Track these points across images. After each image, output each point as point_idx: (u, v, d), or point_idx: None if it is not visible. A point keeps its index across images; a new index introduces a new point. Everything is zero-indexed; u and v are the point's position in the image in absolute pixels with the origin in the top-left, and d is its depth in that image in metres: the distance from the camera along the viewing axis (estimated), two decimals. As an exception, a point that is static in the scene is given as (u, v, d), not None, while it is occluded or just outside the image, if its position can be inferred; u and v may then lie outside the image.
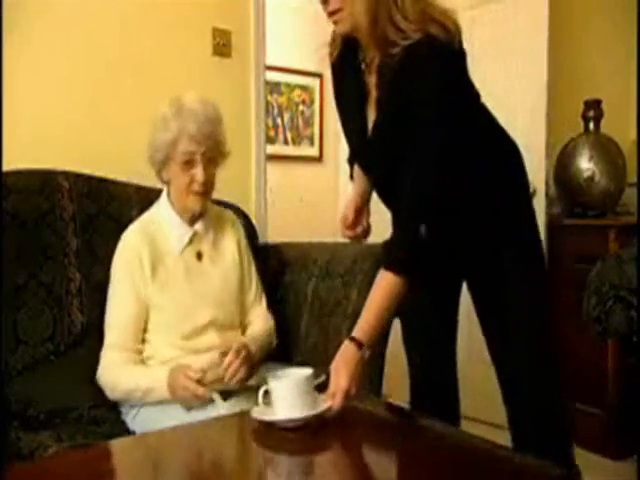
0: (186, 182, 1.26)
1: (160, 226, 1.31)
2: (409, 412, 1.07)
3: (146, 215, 1.35)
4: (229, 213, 1.47)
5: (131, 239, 1.29)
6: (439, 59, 1.01)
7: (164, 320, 1.25)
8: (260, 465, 0.92)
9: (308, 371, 0.97)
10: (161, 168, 1.29)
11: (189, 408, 1.14)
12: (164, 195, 1.33)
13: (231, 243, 1.39)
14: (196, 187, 1.26)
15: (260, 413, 0.94)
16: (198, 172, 1.24)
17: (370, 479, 0.88)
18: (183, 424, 0.99)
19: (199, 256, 1.32)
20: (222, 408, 1.10)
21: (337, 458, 0.94)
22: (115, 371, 1.21)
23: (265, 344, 1.36)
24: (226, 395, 1.12)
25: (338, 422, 0.95)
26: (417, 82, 1.00)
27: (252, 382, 1.19)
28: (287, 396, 0.93)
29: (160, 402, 1.17)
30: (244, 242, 1.43)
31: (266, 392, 0.95)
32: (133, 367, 1.22)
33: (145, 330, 1.26)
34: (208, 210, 1.34)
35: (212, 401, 1.11)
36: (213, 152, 1.27)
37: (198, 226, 1.32)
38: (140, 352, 1.25)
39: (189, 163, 1.25)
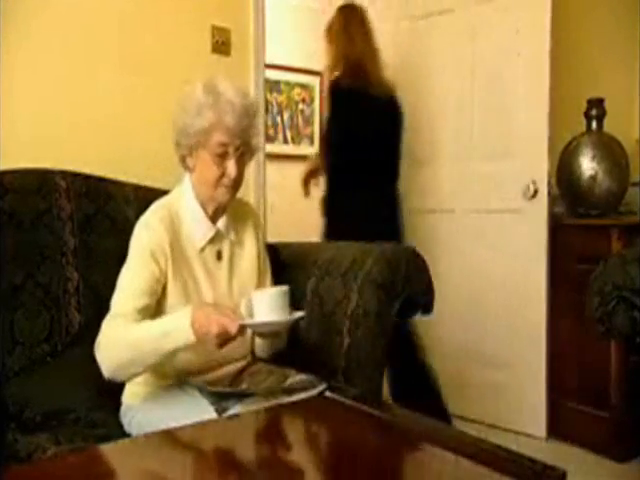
0: (217, 175, 1.20)
1: (183, 218, 1.23)
2: (409, 414, 1.06)
3: (166, 201, 1.26)
4: (249, 207, 1.42)
5: (155, 224, 1.19)
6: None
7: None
8: (257, 466, 0.91)
9: (285, 287, 1.10)
10: (188, 154, 1.23)
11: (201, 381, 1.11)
12: (187, 184, 1.25)
13: (251, 241, 1.34)
14: (226, 181, 1.20)
15: (248, 321, 1.06)
16: (230, 166, 1.19)
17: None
18: (181, 425, 0.98)
19: (219, 256, 1.27)
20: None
21: (336, 459, 0.93)
22: (117, 333, 1.08)
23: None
24: (221, 409, 1.08)
25: (338, 423, 0.94)
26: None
27: (245, 388, 1.18)
28: (266, 303, 1.06)
29: (160, 402, 1.13)
30: (262, 239, 1.38)
31: (248, 305, 1.07)
32: (140, 323, 1.09)
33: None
34: (230, 206, 1.28)
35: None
36: (246, 146, 1.23)
37: (220, 224, 1.26)
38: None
39: (222, 156, 1.19)
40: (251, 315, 1.08)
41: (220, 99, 1.18)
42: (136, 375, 1.13)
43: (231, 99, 1.18)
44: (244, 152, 1.23)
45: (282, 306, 1.06)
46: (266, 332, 1.12)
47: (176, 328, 1.04)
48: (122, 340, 1.08)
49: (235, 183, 1.23)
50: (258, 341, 1.29)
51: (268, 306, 1.06)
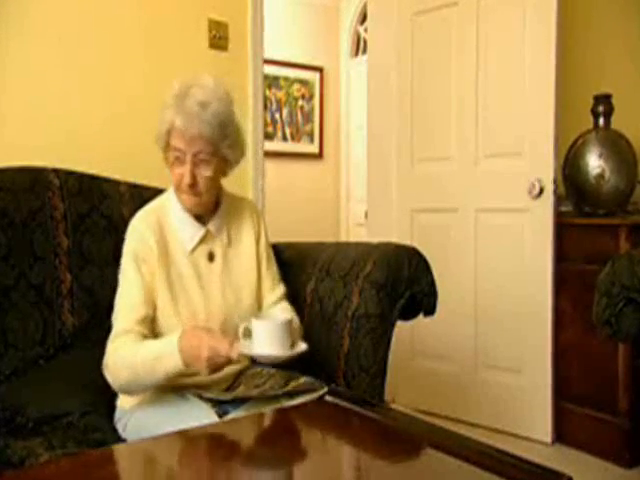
0: (177, 179, 1.19)
1: (169, 220, 1.22)
2: (412, 418, 1.03)
3: (154, 204, 1.25)
4: (247, 202, 1.38)
5: (140, 227, 1.19)
6: None
7: (167, 325, 1.17)
8: (256, 471, 0.89)
9: (288, 316, 1.11)
10: (164, 155, 1.21)
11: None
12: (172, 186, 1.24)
13: (249, 239, 1.30)
14: (183, 187, 1.18)
15: (244, 347, 1.03)
16: (185, 172, 1.16)
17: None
18: (179, 429, 0.96)
19: (210, 257, 1.24)
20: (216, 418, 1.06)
21: (337, 464, 0.92)
22: (120, 352, 1.10)
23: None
24: (222, 412, 1.07)
25: (339, 427, 0.92)
26: None
27: (246, 393, 1.15)
28: (268, 334, 1.02)
29: (160, 399, 1.12)
30: (263, 234, 1.34)
31: (246, 331, 1.04)
32: (140, 342, 1.11)
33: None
34: (222, 204, 1.26)
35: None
36: (207, 155, 1.17)
37: (211, 225, 1.24)
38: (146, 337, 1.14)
39: (179, 160, 1.17)
40: (248, 341, 1.05)
41: (184, 103, 1.14)
42: (144, 391, 1.14)
43: (193, 105, 1.13)
44: (207, 161, 1.17)
45: (283, 338, 1.03)
46: (265, 362, 1.08)
47: (166, 353, 1.06)
48: (121, 362, 1.10)
49: (194, 190, 1.18)
50: None
51: (268, 337, 1.02)
